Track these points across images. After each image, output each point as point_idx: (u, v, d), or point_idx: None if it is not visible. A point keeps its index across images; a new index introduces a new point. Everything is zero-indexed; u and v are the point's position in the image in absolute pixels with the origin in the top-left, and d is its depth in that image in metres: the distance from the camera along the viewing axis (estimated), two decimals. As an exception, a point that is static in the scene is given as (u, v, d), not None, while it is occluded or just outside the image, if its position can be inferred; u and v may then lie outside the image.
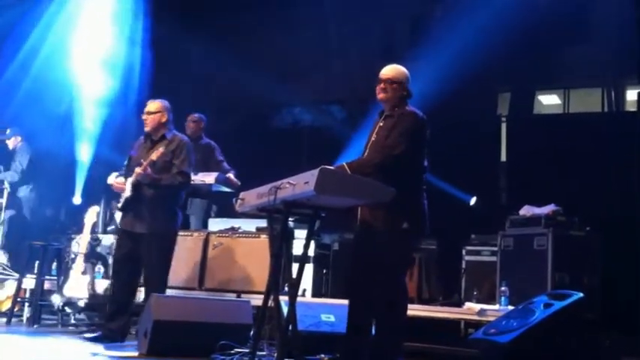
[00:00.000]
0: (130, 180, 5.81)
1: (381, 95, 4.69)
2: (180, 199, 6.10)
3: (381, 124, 4.69)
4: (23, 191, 8.97)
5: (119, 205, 5.94)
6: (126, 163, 6.08)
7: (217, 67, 9.79)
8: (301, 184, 4.15)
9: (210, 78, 9.81)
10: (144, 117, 6.03)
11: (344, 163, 4.51)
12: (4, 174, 8.83)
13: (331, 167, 4.28)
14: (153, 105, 6.04)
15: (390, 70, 4.72)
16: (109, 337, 5.71)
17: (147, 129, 6.03)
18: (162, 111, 6.02)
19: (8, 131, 9.04)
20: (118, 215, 6.22)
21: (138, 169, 5.70)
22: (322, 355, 4.64)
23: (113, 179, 6.04)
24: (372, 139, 4.69)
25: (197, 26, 10.83)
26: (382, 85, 4.67)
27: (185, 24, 10.48)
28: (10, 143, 9.01)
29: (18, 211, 8.89)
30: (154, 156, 5.71)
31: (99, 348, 5.23)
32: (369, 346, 4.51)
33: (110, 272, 7.10)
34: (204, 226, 7.83)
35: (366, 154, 4.68)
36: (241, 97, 10.50)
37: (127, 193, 5.83)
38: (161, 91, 9.84)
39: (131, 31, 9.99)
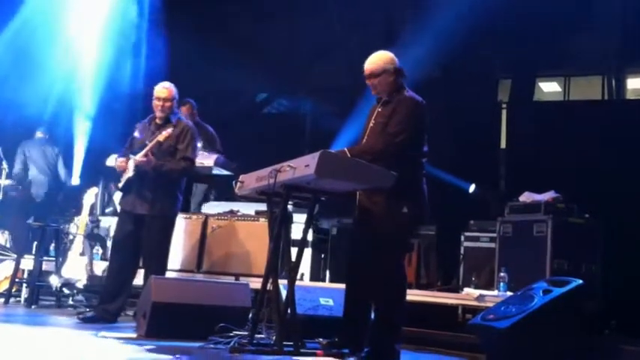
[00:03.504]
0: (134, 160, 5.78)
1: (372, 92, 4.66)
2: (182, 183, 6.07)
3: (380, 109, 4.64)
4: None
5: (119, 184, 5.92)
6: (128, 144, 6.06)
7: (218, 54, 9.75)
8: (302, 167, 4.13)
9: (212, 65, 9.79)
10: (157, 103, 5.91)
11: (345, 149, 4.49)
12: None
13: (332, 151, 4.26)
14: (165, 91, 5.92)
15: (369, 64, 4.62)
16: (105, 318, 5.70)
17: (161, 115, 5.93)
18: (175, 98, 5.97)
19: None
20: (117, 196, 6.19)
21: (139, 156, 5.66)
22: (320, 339, 4.64)
23: (113, 161, 6.02)
24: (371, 124, 4.64)
25: (200, 15, 10.79)
26: (369, 82, 4.62)
27: (187, 12, 10.45)
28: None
29: (25, 192, 8.89)
30: (161, 137, 5.68)
31: (96, 329, 5.21)
32: (367, 330, 4.51)
33: (108, 253, 7.08)
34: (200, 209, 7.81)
35: (365, 140, 4.63)
36: (243, 84, 10.48)
37: (130, 173, 5.79)
38: (162, 74, 9.88)
39: (133, 13, 9.97)
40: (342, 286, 4.86)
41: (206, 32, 10.35)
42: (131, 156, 5.75)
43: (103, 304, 5.82)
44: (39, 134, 9.19)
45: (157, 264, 5.80)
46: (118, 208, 6.55)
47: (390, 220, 4.42)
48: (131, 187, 5.83)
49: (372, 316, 4.57)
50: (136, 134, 6.06)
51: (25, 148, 9.06)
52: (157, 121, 5.98)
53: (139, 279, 6.07)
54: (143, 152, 5.67)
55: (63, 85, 9.64)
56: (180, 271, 6.90)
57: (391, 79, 4.58)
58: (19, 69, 9.31)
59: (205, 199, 8.09)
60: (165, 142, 5.72)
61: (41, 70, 9.38)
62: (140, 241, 5.85)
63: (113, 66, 9.75)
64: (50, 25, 9.40)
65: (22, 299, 7.17)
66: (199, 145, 7.51)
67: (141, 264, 6.01)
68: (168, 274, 6.52)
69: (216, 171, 7.57)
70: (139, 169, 5.75)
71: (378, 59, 4.63)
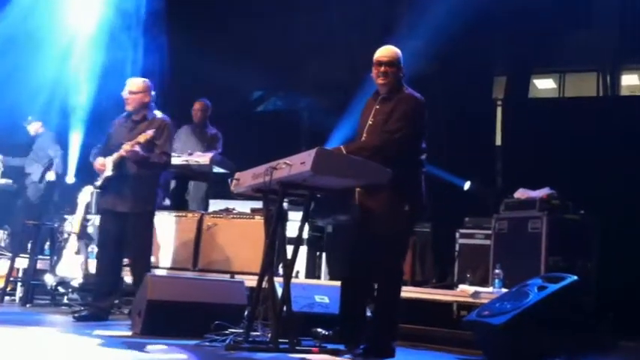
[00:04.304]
0: (112, 158, 5.77)
1: (381, 80, 4.61)
2: (160, 179, 6.10)
3: (378, 106, 4.64)
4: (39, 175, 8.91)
5: (97, 183, 5.93)
6: (105, 141, 6.06)
7: (215, 52, 9.74)
8: (298, 164, 4.14)
9: (209, 63, 9.79)
10: (125, 96, 5.92)
11: (341, 146, 4.49)
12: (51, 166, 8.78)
13: (328, 148, 4.26)
14: (135, 84, 5.94)
15: (388, 52, 4.64)
16: (98, 315, 5.71)
17: (129, 108, 5.94)
18: (144, 91, 5.93)
19: (29, 118, 9.00)
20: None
21: (127, 146, 5.65)
22: (318, 329, 4.65)
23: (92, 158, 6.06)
24: (369, 122, 4.63)
25: (197, 13, 10.77)
26: (382, 69, 4.58)
27: (184, 10, 10.43)
28: (32, 129, 8.98)
29: (22, 192, 8.84)
30: (141, 139, 5.66)
31: (90, 328, 5.20)
32: (364, 327, 4.52)
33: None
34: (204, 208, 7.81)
35: (364, 137, 4.63)
36: (240, 82, 10.47)
37: (108, 172, 5.80)
38: (159, 72, 9.85)
39: (131, 10, 9.94)
40: (338, 283, 4.87)
41: (203, 30, 10.33)
42: (125, 145, 5.72)
43: (95, 302, 5.83)
44: (40, 129, 9.05)
45: (143, 260, 5.84)
46: None
47: (392, 219, 4.43)
48: (110, 185, 5.84)
49: (369, 313, 4.58)
50: (112, 131, 6.07)
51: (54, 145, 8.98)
52: (134, 117, 5.98)
53: (126, 276, 6.07)
54: (131, 144, 5.65)
55: (58, 81, 9.58)
56: (175, 269, 6.88)
57: (399, 74, 4.63)
58: (12, 65, 9.25)
59: (206, 197, 8.07)
60: (144, 142, 5.72)
61: (36, 67, 9.33)
62: (123, 238, 5.86)
63: (109, 63, 9.70)
64: (46, 19, 9.35)
65: (17, 298, 7.16)
66: (201, 151, 7.58)
67: (125, 261, 6.03)
68: (164, 272, 6.53)
69: (213, 169, 7.55)
70: (118, 166, 5.75)
71: (395, 51, 4.66)
